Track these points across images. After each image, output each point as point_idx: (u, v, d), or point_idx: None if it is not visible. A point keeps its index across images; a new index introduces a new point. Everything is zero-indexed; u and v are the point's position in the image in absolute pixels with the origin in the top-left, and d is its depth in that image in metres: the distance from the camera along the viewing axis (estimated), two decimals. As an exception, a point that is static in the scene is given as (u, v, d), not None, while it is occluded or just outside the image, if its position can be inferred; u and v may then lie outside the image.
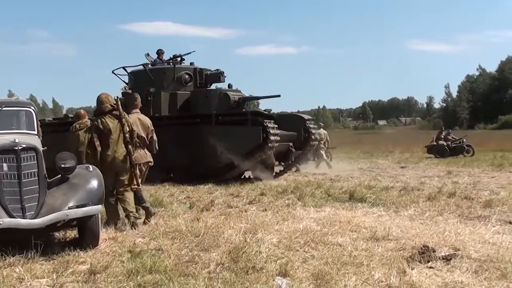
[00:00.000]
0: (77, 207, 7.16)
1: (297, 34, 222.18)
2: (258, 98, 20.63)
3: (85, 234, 7.55)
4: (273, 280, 5.81)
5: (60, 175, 7.57)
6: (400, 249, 7.30)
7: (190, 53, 21.84)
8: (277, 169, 20.24)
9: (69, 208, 7.10)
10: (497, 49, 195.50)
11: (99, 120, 9.22)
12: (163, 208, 11.12)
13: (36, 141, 7.65)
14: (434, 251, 6.88)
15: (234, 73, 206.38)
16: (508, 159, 28.54)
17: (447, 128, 38.68)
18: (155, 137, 10.31)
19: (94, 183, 7.54)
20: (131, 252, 7.13)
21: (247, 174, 19.38)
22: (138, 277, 5.97)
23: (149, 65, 21.19)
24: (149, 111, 18.95)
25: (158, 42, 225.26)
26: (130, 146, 9.28)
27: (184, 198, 13.44)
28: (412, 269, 6.19)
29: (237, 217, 10.01)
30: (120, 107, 9.33)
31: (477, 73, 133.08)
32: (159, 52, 21.85)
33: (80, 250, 7.24)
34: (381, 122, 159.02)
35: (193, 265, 6.52)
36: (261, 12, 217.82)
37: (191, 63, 21.42)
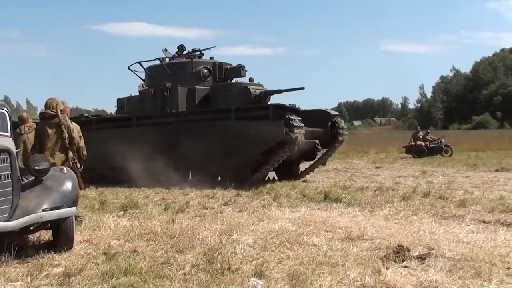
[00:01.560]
0: (51, 209, 7.10)
1: (273, 35, 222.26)
2: (280, 91, 19.20)
3: (60, 237, 7.49)
4: (249, 281, 5.79)
5: (34, 177, 7.52)
6: (375, 248, 7.33)
7: (210, 48, 21.24)
8: (300, 167, 19.59)
9: (43, 211, 7.03)
10: (471, 50, 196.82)
11: (40, 125, 9.40)
12: (138, 210, 11.06)
13: (10, 143, 7.57)
14: (408, 251, 6.92)
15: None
16: (482, 159, 28.83)
17: (424, 128, 38.92)
18: (82, 144, 10.14)
19: (68, 185, 7.49)
20: (106, 254, 7.08)
21: (271, 175, 18.60)
22: (113, 279, 5.92)
23: (167, 59, 20.76)
24: (165, 107, 18.87)
25: (132, 42, 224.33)
26: (70, 152, 9.39)
27: (159, 199, 13.40)
28: (387, 269, 6.21)
29: (213, 218, 9.98)
30: (60, 113, 9.45)
31: (451, 74, 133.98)
32: (180, 48, 21.30)
33: (55, 253, 7.17)
34: (356, 123, 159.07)
35: (168, 267, 6.49)
36: (237, 13, 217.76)
37: (211, 58, 20.75)
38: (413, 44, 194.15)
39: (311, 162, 19.56)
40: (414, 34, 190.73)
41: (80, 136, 10.07)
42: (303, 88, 19.10)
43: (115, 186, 16.05)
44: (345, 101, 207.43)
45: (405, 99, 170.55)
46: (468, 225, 9.02)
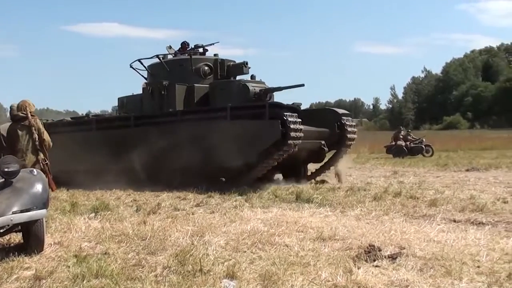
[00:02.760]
0: (22, 211, 7.02)
1: (245, 36, 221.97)
2: (280, 88, 18.35)
3: (30, 239, 7.42)
4: (221, 283, 5.79)
5: (3, 180, 7.45)
6: (346, 248, 7.35)
7: (213, 43, 20.43)
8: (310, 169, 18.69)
9: (13, 213, 6.95)
10: (442, 52, 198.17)
11: (11, 127, 9.40)
12: (109, 212, 11.02)
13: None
14: (380, 250, 6.95)
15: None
16: (452, 158, 29.10)
17: (406, 128, 39.12)
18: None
19: (38, 187, 7.41)
20: (77, 257, 7.02)
21: (277, 176, 17.96)
22: (84, 282, 5.88)
23: (169, 56, 20.13)
24: (163, 106, 18.35)
25: (104, 43, 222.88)
26: (41, 154, 9.39)
27: (131, 201, 13.34)
28: (358, 268, 6.23)
29: (184, 219, 9.96)
30: (30, 115, 9.43)
31: (422, 75, 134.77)
32: (183, 45, 20.60)
33: (25, 256, 7.10)
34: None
35: (140, 269, 6.46)
36: (208, 14, 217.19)
37: (215, 55, 19.96)
38: (385, 46, 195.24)
39: (319, 164, 18.73)
40: (386, 36, 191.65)
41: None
42: (303, 85, 18.21)
43: (86, 188, 15.92)
44: (317, 102, 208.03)
45: (376, 100, 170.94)
46: (439, 225, 9.10)
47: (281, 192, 13.80)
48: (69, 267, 6.54)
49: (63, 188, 15.65)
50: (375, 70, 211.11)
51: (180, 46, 20.68)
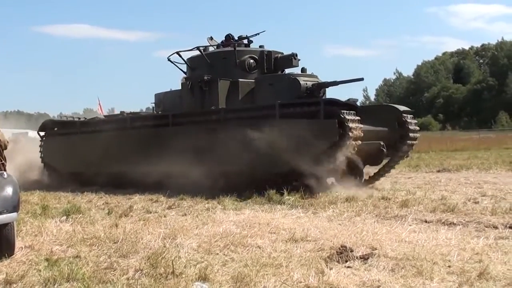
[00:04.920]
0: (-8, 215, 6.98)
1: (216, 38, 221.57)
2: (336, 83, 16.28)
3: (0, 243, 7.34)
4: (193, 285, 5.78)
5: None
6: (318, 249, 7.38)
7: (258, 33, 18.40)
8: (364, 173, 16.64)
9: (-17, 217, 6.92)
10: (413, 54, 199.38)
11: None
12: (81, 215, 10.94)
13: None
14: (352, 251, 6.98)
15: (149, 75, 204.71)
16: (424, 160, 29.26)
17: None
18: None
19: (8, 191, 7.34)
20: (48, 260, 6.97)
21: (330, 181, 15.61)
22: (56, 286, 5.86)
23: (211, 48, 18.52)
24: (204, 103, 16.99)
25: (74, 44, 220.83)
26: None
27: (103, 204, 13.29)
28: (330, 269, 6.26)
29: (156, 222, 9.93)
30: None
31: (394, 77, 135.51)
32: (227, 38, 18.69)
33: (-5, 260, 7.06)
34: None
35: (112, 272, 6.42)
36: (179, 15, 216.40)
37: (261, 46, 18.20)
38: (357, 49, 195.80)
39: (376, 168, 17.03)
40: (357, 38, 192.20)
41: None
42: (362, 79, 16.19)
43: (58, 191, 15.82)
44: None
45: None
46: (410, 225, 9.16)
47: (254, 194, 13.57)
48: (40, 270, 6.49)
49: (33, 191, 15.53)
50: (347, 72, 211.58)
51: (224, 39, 18.89)
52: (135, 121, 18.20)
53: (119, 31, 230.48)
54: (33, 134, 24.42)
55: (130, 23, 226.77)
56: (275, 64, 17.72)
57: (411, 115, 16.16)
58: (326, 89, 16.67)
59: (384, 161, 16.41)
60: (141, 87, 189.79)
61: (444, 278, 5.91)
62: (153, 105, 19.71)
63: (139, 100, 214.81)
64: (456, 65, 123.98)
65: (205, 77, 16.83)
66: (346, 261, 6.65)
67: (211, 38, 19.12)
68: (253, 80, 17.04)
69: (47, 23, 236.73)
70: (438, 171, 21.74)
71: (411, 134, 15.73)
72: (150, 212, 11.48)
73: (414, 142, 16.19)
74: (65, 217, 10.72)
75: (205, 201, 12.88)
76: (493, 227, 9.04)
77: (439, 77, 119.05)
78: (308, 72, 16.86)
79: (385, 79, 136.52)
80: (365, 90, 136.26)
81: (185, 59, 18.56)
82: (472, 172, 21.51)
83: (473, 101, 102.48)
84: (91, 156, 18.19)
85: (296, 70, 17.29)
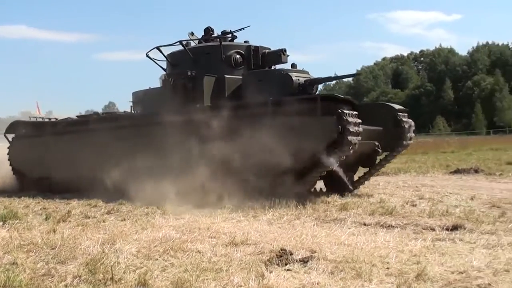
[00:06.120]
0: None
1: (155, 41, 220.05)
2: (331, 79, 15.83)
3: None
4: (132, 291, 5.74)
5: None
6: (258, 253, 7.39)
7: (243, 28, 17.43)
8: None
9: None
10: (353, 59, 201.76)
11: None
12: (18, 220, 10.73)
13: None
14: (291, 254, 7.00)
15: (93, 78, 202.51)
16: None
17: None
18: None
19: None
20: (-17, 268, 6.85)
21: (318, 186, 15.39)
22: (-9, 293, 5.75)
23: (192, 44, 17.48)
24: (187, 100, 15.47)
25: (10, 46, 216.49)
26: None
27: (40, 209, 13.07)
28: (270, 272, 6.26)
29: (95, 227, 9.81)
30: None
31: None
32: (207, 31, 17.78)
33: None
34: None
35: (50, 279, 6.31)
36: (121, 18, 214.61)
37: (246, 41, 17.12)
38: (297, 53, 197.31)
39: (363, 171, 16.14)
40: (298, 43, 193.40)
41: None
42: (357, 74, 15.05)
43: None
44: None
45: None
46: (349, 228, 9.23)
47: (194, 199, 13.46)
48: (-26, 279, 6.36)
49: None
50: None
51: (203, 33, 17.95)
52: (112, 122, 17.11)
53: (57, 32, 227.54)
54: None
55: (69, 25, 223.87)
56: (262, 60, 16.73)
57: (407, 114, 15.55)
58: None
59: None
60: (80, 91, 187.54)
61: (382, 280, 5.98)
62: (131, 103, 18.27)
63: (79, 103, 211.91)
64: (395, 70, 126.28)
65: (189, 73, 15.74)
66: (286, 264, 6.67)
67: (192, 33, 18.29)
68: (240, 77, 15.99)
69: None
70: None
71: (407, 135, 15.10)
72: (89, 217, 11.33)
73: (410, 142, 15.57)
74: (1, 223, 10.50)
75: (144, 206, 12.73)
76: (431, 229, 9.18)
77: (378, 82, 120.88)
78: (299, 68, 15.83)
79: (325, 84, 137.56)
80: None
81: (166, 54, 17.59)
82: (410, 175, 21.84)
83: (411, 106, 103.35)
84: (62, 159, 17.48)
85: (285, 66, 16.19)
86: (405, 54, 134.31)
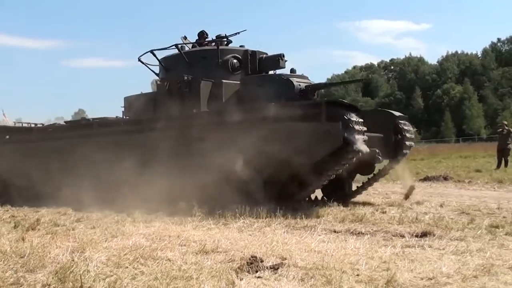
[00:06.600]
0: None
1: (125, 48, 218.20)
2: (333, 84, 14.12)
3: None
4: (101, 299, 5.71)
5: None
6: (229, 260, 7.37)
7: (238, 33, 17.05)
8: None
9: None
10: (323, 67, 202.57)
11: None
12: (-15, 229, 10.65)
13: None
14: (262, 261, 7.00)
15: (62, 85, 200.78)
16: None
17: None
18: None
19: None
20: (-50, 277, 6.77)
21: (317, 193, 14.99)
22: (-43, 303, 5.69)
23: (186, 48, 17.04)
24: (184, 106, 14.80)
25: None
26: None
27: (9, 217, 12.94)
28: (241, 280, 6.26)
29: (65, 235, 9.70)
30: None
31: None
32: (201, 35, 17.41)
33: None
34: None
35: None
36: (89, 25, 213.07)
37: (241, 46, 16.74)
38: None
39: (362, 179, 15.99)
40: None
41: None
42: (362, 80, 14.31)
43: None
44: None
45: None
46: (320, 235, 9.28)
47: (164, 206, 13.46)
48: None
49: None
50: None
51: (197, 38, 17.57)
52: (103, 127, 16.47)
53: (25, 38, 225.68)
54: None
55: (36, 31, 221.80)
56: (260, 65, 16.32)
57: (407, 121, 15.23)
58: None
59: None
60: (49, 97, 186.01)
61: (352, 287, 5.99)
62: (122, 109, 17.73)
63: (48, 110, 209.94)
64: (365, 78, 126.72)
65: (185, 78, 15.25)
66: (257, 272, 6.66)
67: (185, 37, 17.79)
68: (237, 81, 15.49)
69: None
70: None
71: (407, 142, 14.76)
72: (58, 225, 11.20)
73: (409, 150, 15.21)
74: (-32, 232, 10.41)
75: (114, 213, 12.66)
76: (400, 236, 9.24)
77: (349, 90, 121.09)
78: (298, 73, 15.30)
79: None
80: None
81: (159, 58, 17.02)
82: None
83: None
84: (46, 167, 16.25)
85: (283, 71, 15.90)
86: (375, 63, 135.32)
